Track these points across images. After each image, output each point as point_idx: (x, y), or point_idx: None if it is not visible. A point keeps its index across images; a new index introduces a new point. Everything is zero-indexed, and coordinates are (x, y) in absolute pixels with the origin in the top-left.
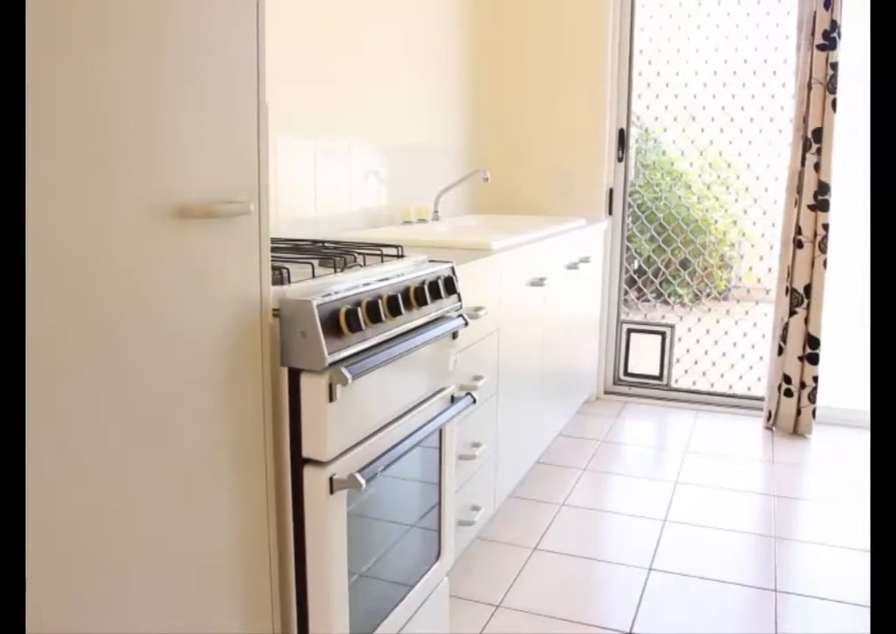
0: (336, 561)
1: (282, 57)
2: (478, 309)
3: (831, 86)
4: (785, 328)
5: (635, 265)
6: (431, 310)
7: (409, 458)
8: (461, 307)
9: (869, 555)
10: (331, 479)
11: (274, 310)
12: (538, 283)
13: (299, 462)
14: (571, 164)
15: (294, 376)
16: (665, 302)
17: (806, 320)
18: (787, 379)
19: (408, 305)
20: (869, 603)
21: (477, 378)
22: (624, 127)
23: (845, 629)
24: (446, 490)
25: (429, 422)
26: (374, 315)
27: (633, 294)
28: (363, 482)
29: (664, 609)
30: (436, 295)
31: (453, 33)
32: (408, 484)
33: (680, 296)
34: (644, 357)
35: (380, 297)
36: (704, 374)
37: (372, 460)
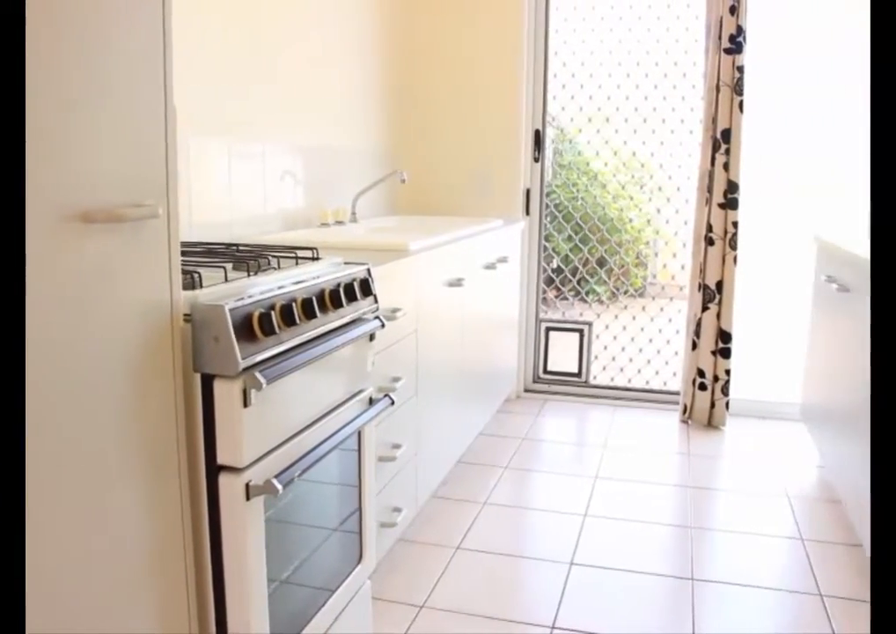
0: (254, 568)
1: (190, 58)
2: (395, 310)
3: (738, 89)
4: (698, 324)
5: (553, 264)
6: (347, 312)
7: (328, 461)
8: (378, 309)
9: (783, 541)
10: (247, 485)
11: (185, 315)
12: (456, 283)
13: (214, 469)
14: (488, 165)
15: (207, 382)
16: (583, 300)
17: (718, 316)
18: (701, 373)
19: (323, 308)
20: (791, 588)
21: (396, 379)
22: (540, 128)
23: (758, 612)
24: (366, 492)
25: (347, 424)
26: (288, 319)
27: (551, 293)
28: (279, 487)
29: (585, 602)
30: (351, 297)
31: (366, 32)
32: (328, 488)
33: (598, 294)
34: (563, 354)
35: (294, 300)
36: (622, 370)
37: (290, 465)
